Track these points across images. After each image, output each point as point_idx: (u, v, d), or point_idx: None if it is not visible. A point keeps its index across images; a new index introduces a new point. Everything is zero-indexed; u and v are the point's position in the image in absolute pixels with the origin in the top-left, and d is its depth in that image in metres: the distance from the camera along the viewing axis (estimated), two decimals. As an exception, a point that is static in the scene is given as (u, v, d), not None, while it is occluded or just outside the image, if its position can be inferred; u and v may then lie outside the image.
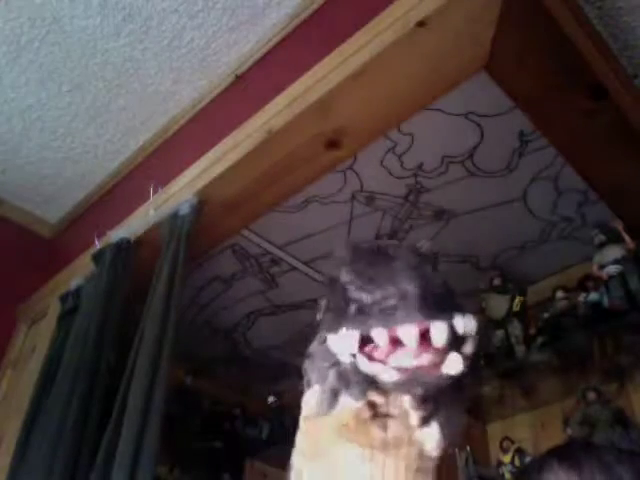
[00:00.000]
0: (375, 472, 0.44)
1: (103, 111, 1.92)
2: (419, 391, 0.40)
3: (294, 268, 1.90)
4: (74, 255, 1.97)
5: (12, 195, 2.21)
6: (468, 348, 0.41)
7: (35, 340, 1.90)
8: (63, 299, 1.81)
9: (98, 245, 1.78)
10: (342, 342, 0.41)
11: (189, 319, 2.10)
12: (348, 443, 0.44)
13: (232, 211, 1.61)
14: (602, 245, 1.62)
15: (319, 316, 0.48)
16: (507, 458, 1.64)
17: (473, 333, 0.42)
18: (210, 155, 1.58)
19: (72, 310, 1.71)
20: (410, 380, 0.39)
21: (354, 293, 0.42)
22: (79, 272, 1.83)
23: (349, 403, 0.42)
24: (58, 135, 1.99)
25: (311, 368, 0.45)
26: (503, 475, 1.63)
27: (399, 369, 0.39)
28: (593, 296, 1.60)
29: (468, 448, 1.70)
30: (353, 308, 0.41)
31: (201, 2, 1.62)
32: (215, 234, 1.68)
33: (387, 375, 0.39)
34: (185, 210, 1.53)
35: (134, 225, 1.72)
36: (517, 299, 1.75)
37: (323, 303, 0.49)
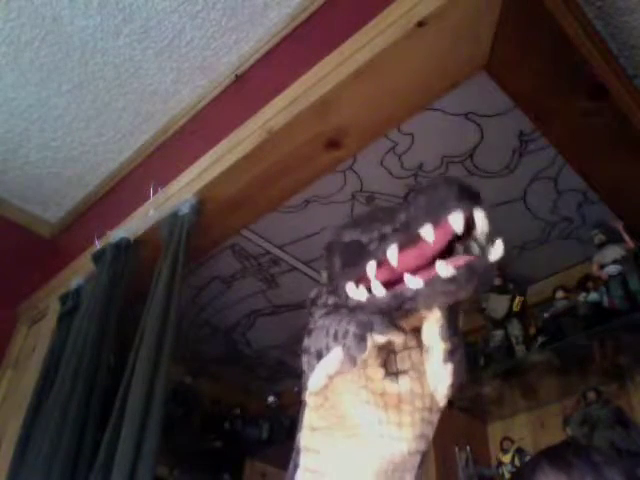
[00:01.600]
0: (392, 430, 0.47)
1: (103, 111, 1.92)
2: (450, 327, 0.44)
3: (294, 268, 1.90)
4: (74, 255, 1.97)
5: (12, 195, 2.21)
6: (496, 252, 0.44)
7: (35, 340, 1.90)
8: (63, 299, 1.81)
9: (98, 245, 1.78)
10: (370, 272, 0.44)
11: (189, 319, 2.10)
12: (366, 404, 0.47)
13: (232, 211, 1.61)
14: (602, 245, 1.62)
15: (321, 284, 0.51)
16: (507, 458, 1.64)
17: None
18: (210, 155, 1.58)
19: (72, 310, 1.71)
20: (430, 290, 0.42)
21: (365, 235, 0.46)
22: (79, 272, 1.83)
23: (376, 339, 0.44)
24: (58, 135, 1.99)
25: (320, 337, 0.47)
26: (503, 475, 1.63)
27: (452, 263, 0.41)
28: (593, 296, 1.60)
29: (468, 448, 1.70)
30: (373, 245, 0.45)
31: (201, 2, 1.62)
32: (215, 234, 1.68)
33: (448, 270, 0.41)
34: (185, 210, 1.53)
35: (134, 225, 1.72)
36: (517, 299, 1.75)
37: (324, 274, 0.53)
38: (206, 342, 2.23)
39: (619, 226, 1.60)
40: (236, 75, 1.75)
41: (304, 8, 1.58)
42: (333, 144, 1.40)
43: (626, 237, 1.58)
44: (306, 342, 0.52)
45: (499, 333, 1.73)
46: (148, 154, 2.00)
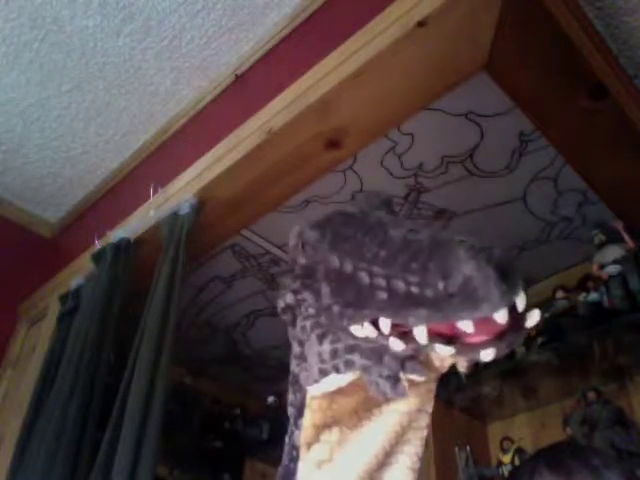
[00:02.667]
0: (402, 404, 0.48)
1: (103, 111, 1.92)
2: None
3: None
4: (74, 255, 1.97)
5: (12, 195, 2.21)
6: (532, 321, 0.41)
7: (35, 340, 1.90)
8: (63, 299, 1.81)
9: (98, 245, 1.78)
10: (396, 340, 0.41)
11: (189, 319, 2.10)
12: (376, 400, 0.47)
13: (232, 211, 1.61)
14: (602, 245, 1.62)
15: (329, 300, 0.47)
16: (507, 458, 1.64)
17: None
18: (210, 155, 1.58)
19: (72, 310, 1.71)
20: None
21: (378, 280, 0.41)
22: (79, 272, 1.83)
23: (415, 378, 0.44)
24: (58, 135, 1.99)
25: (322, 355, 0.47)
26: (503, 475, 1.63)
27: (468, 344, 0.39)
28: (593, 296, 1.60)
29: (468, 448, 1.70)
30: (382, 295, 0.41)
31: (201, 2, 1.62)
32: (215, 234, 1.68)
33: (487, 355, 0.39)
34: (185, 210, 1.53)
35: (134, 225, 1.72)
36: (517, 299, 1.75)
37: (308, 295, 0.49)
38: (206, 342, 2.23)
39: (619, 226, 1.60)
40: (236, 75, 1.75)
41: (304, 8, 1.58)
42: (333, 144, 1.40)
43: (626, 237, 1.58)
44: (297, 350, 0.52)
45: (499, 333, 1.73)
46: (148, 154, 2.00)
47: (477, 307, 0.37)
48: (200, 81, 1.82)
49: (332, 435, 0.49)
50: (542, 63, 1.22)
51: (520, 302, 0.38)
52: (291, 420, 0.53)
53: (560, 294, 1.68)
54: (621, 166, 1.46)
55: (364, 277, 0.42)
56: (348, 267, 0.44)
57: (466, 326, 0.38)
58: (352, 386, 0.47)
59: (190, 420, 2.16)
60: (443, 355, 0.41)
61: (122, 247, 1.66)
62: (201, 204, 1.55)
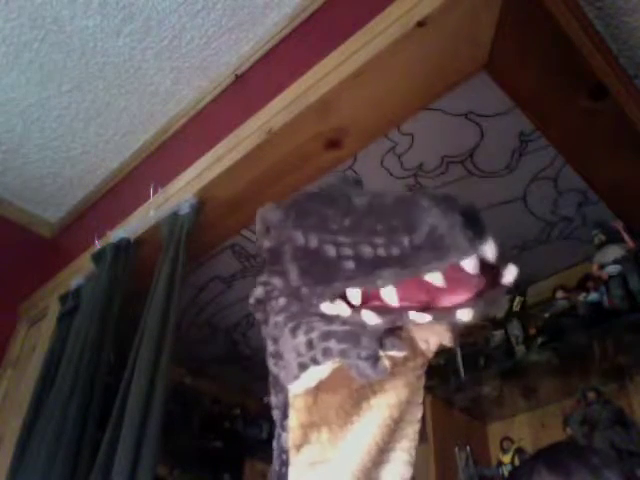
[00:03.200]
0: (390, 396, 0.46)
1: (103, 111, 1.92)
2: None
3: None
4: (74, 255, 1.96)
5: (12, 195, 2.21)
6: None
7: (35, 340, 1.90)
8: (63, 299, 1.81)
9: (98, 245, 1.78)
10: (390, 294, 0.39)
11: (189, 319, 2.10)
12: (362, 390, 0.46)
13: (232, 211, 1.61)
14: (602, 245, 1.62)
15: (278, 292, 0.46)
16: (507, 458, 1.64)
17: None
18: (210, 155, 1.58)
19: (72, 310, 1.71)
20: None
21: (346, 249, 0.39)
22: (79, 272, 1.83)
23: (393, 354, 0.42)
24: (58, 135, 1.99)
25: (297, 347, 0.44)
26: (503, 475, 1.63)
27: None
28: (593, 296, 1.60)
29: (468, 448, 1.70)
30: (350, 264, 0.39)
31: (201, 2, 1.62)
32: (215, 234, 1.68)
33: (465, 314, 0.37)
34: (185, 210, 1.53)
35: (134, 225, 1.72)
36: (517, 299, 1.75)
37: (277, 279, 0.47)
38: (206, 342, 2.23)
39: (619, 226, 1.60)
40: (236, 75, 1.75)
41: (304, 8, 1.57)
42: (333, 144, 1.40)
43: (626, 237, 1.58)
44: (272, 347, 0.50)
45: (499, 333, 1.73)
46: (148, 154, 2.00)
47: (445, 255, 0.35)
48: (200, 81, 1.82)
49: (321, 435, 0.47)
50: (542, 63, 1.22)
51: (490, 250, 0.36)
52: (277, 423, 0.51)
53: (560, 294, 1.68)
54: (621, 166, 1.46)
55: (330, 249, 0.40)
56: (313, 242, 0.42)
57: (436, 279, 0.36)
58: (335, 380, 0.45)
59: (190, 420, 2.16)
60: (423, 326, 0.40)
61: (122, 247, 1.66)
62: (201, 204, 1.55)
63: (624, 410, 1.52)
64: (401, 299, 0.39)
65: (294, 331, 0.45)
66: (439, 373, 1.77)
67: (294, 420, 0.48)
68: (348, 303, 0.41)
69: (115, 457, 1.18)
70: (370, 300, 0.40)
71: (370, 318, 0.40)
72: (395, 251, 0.37)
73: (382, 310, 0.40)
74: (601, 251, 1.62)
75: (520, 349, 1.67)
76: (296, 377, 0.46)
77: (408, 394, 0.49)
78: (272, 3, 1.62)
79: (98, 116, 1.93)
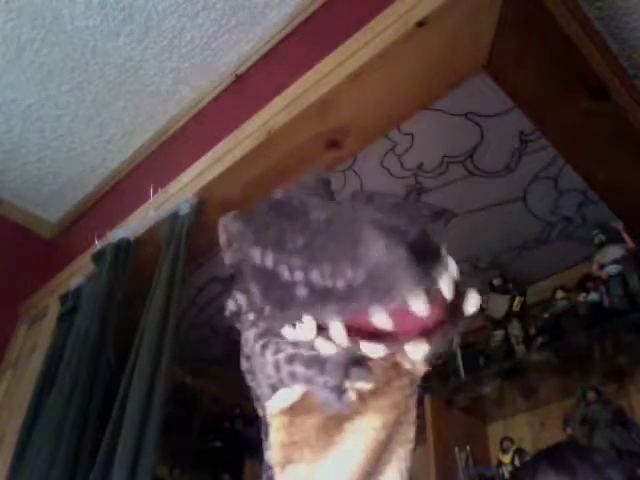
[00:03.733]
0: (374, 419, 0.42)
1: (103, 111, 1.92)
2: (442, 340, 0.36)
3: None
4: (74, 255, 1.96)
5: (12, 195, 2.21)
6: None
7: (35, 340, 1.90)
8: (63, 299, 1.81)
9: (98, 245, 1.78)
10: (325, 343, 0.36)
11: (189, 319, 2.10)
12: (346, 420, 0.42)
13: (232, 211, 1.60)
14: (602, 245, 1.62)
15: (244, 310, 0.43)
16: (507, 458, 1.64)
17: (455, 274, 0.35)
18: (210, 155, 1.58)
19: (72, 310, 1.71)
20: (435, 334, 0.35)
21: (294, 275, 0.35)
22: (79, 272, 1.83)
23: (359, 386, 0.38)
24: (58, 135, 1.99)
25: (267, 369, 0.42)
26: (503, 475, 1.63)
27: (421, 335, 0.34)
28: (593, 296, 1.60)
29: (468, 448, 1.70)
30: (303, 291, 0.35)
31: (201, 2, 1.62)
32: (215, 234, 1.68)
33: (420, 350, 0.34)
34: (185, 210, 1.53)
35: (134, 225, 1.72)
36: (517, 299, 1.75)
37: (241, 297, 0.44)
38: (206, 342, 2.23)
39: (619, 226, 1.60)
40: (236, 75, 1.75)
41: (304, 8, 1.58)
42: (333, 144, 1.40)
43: (626, 237, 1.58)
44: (245, 365, 0.48)
45: (499, 333, 1.73)
46: (148, 154, 2.00)
47: (387, 296, 0.31)
48: (200, 81, 1.82)
49: (304, 455, 0.44)
50: (542, 63, 1.22)
51: (445, 285, 0.33)
52: (263, 437, 0.48)
53: (560, 294, 1.68)
54: (621, 166, 1.46)
55: (284, 272, 0.37)
56: (269, 261, 0.38)
57: (381, 321, 0.32)
58: (310, 402, 0.41)
59: (190, 420, 2.16)
60: (411, 357, 0.35)
61: (122, 247, 1.66)
62: (201, 204, 1.55)
63: (624, 410, 1.51)
64: (352, 331, 0.35)
65: (263, 350, 0.42)
66: (439, 373, 1.77)
67: (274, 439, 0.45)
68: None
69: (115, 457, 1.18)
70: (325, 330, 0.36)
71: (324, 347, 0.36)
72: (339, 284, 0.33)
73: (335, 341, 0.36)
74: (601, 251, 1.62)
75: (520, 349, 1.67)
76: (268, 397, 0.43)
77: (396, 415, 0.45)
78: (272, 3, 1.62)
79: (98, 116, 1.93)
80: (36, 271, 2.12)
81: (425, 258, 0.32)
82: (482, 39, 1.15)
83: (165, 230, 1.55)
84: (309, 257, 0.35)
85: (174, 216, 1.55)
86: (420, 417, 1.70)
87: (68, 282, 1.84)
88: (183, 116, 1.90)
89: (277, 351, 0.41)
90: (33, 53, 1.75)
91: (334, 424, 0.44)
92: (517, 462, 1.61)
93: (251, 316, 0.45)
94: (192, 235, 1.50)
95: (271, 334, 0.42)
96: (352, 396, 0.37)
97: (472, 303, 0.35)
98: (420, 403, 1.72)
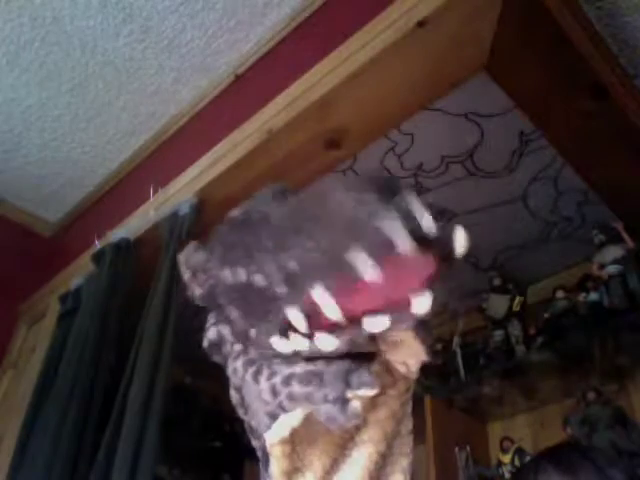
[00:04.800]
0: (374, 432, 0.41)
1: (103, 111, 1.92)
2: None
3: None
4: (74, 255, 1.96)
5: (12, 195, 2.21)
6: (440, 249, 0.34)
7: (35, 340, 1.90)
8: (63, 299, 1.81)
9: (98, 245, 1.78)
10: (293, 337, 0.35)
11: (189, 319, 2.10)
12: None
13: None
14: (602, 245, 1.62)
15: (227, 343, 0.42)
16: (507, 458, 1.64)
17: (432, 225, 0.34)
18: (210, 155, 1.58)
19: (72, 310, 1.71)
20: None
21: (274, 274, 0.35)
22: (79, 272, 1.83)
23: (363, 394, 0.37)
24: (58, 135, 1.99)
25: (263, 395, 0.40)
26: (503, 475, 1.63)
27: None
28: (593, 296, 1.60)
29: (468, 448, 1.70)
30: (284, 288, 0.35)
31: (201, 2, 1.62)
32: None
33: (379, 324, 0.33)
34: (185, 210, 1.53)
35: (134, 225, 1.72)
36: (517, 299, 1.75)
37: (223, 328, 0.43)
38: (206, 342, 2.23)
39: (619, 226, 1.60)
40: (236, 75, 1.75)
41: (304, 8, 1.57)
42: (333, 144, 1.40)
43: (626, 237, 1.58)
44: (235, 397, 0.45)
45: (499, 333, 1.73)
46: (148, 154, 2.00)
47: (373, 245, 0.31)
48: (200, 81, 1.82)
49: (306, 479, 0.43)
50: (542, 63, 1.22)
51: (426, 221, 0.32)
52: (261, 465, 0.46)
53: (560, 294, 1.68)
54: (621, 166, 1.46)
55: (259, 279, 0.36)
56: (242, 275, 0.37)
57: (373, 275, 0.31)
58: (312, 424, 0.40)
59: (190, 420, 2.16)
60: (395, 347, 0.35)
61: (122, 247, 1.66)
62: (201, 204, 1.55)
63: (624, 410, 1.51)
64: (345, 310, 0.34)
65: (256, 377, 0.41)
66: (439, 373, 1.77)
67: (275, 468, 0.43)
68: (301, 333, 0.36)
69: (115, 457, 1.18)
70: (319, 322, 0.35)
71: (327, 342, 0.34)
72: (318, 254, 0.32)
73: (335, 329, 0.35)
74: (601, 251, 1.62)
75: (520, 349, 1.67)
76: (268, 427, 0.41)
77: (394, 425, 0.43)
78: (272, 3, 1.62)
79: (98, 116, 1.93)
80: (36, 271, 2.12)
81: (394, 196, 0.32)
82: (482, 39, 1.15)
83: (165, 230, 1.55)
84: (281, 252, 0.35)
85: (174, 216, 1.55)
86: (420, 417, 1.70)
87: (68, 282, 1.83)
88: (183, 116, 1.90)
89: (271, 375, 0.40)
90: (33, 53, 1.75)
91: (336, 445, 0.43)
92: (517, 462, 1.61)
93: (237, 346, 0.43)
94: (192, 235, 1.50)
95: (263, 359, 0.40)
96: (356, 406, 0.36)
97: (460, 241, 0.34)
98: (420, 403, 1.72)
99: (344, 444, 0.43)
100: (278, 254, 0.35)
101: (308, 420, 0.40)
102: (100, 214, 2.10)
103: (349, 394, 0.36)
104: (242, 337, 0.41)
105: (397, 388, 0.43)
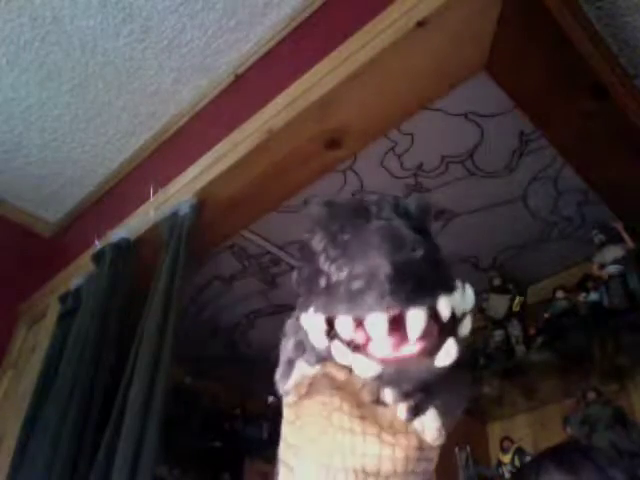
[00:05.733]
0: (369, 462, 0.38)
1: (103, 111, 1.92)
2: (404, 386, 0.35)
3: (294, 268, 1.90)
4: (74, 255, 1.96)
5: (12, 195, 2.21)
6: (464, 329, 0.35)
7: (35, 340, 1.90)
8: (63, 299, 1.81)
9: (98, 245, 1.78)
10: (311, 325, 0.36)
11: (189, 319, 2.10)
12: (340, 431, 0.39)
13: (232, 211, 1.61)
14: (602, 245, 1.62)
15: (295, 285, 0.43)
16: (507, 458, 1.64)
17: (468, 309, 0.35)
18: (210, 155, 1.58)
19: (72, 310, 1.71)
20: (395, 373, 0.34)
21: (324, 265, 0.36)
22: (79, 272, 1.83)
23: (302, 369, 0.38)
24: (58, 135, 1.99)
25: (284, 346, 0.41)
26: (503, 475, 1.63)
27: (383, 360, 0.33)
28: (593, 296, 1.60)
29: (468, 448, 1.70)
30: (323, 282, 0.36)
31: (201, 2, 1.62)
32: (215, 234, 1.68)
33: (367, 367, 0.33)
34: (185, 210, 1.53)
35: (134, 225, 1.72)
36: (517, 299, 1.75)
37: (295, 273, 0.43)
38: (206, 342, 2.23)
39: (619, 226, 1.60)
40: (236, 75, 1.75)
41: (304, 8, 1.57)
42: (333, 144, 1.40)
43: (626, 237, 1.58)
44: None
45: (499, 333, 1.73)
46: (148, 154, 2.00)
47: (355, 302, 0.32)
48: (200, 81, 1.82)
49: (296, 458, 0.41)
50: (542, 63, 1.22)
51: (444, 308, 0.32)
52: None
53: (560, 294, 1.68)
54: (621, 166, 1.46)
55: (320, 259, 0.37)
56: (318, 247, 0.38)
57: (344, 330, 0.32)
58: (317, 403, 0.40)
59: (190, 420, 2.16)
60: (362, 374, 0.34)
61: (122, 247, 1.66)
62: (201, 204, 1.55)
63: (624, 410, 1.52)
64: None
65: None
66: (439, 373, 1.76)
67: (283, 433, 0.43)
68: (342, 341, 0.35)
69: (115, 457, 1.18)
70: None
71: (366, 366, 0.34)
72: (348, 284, 0.33)
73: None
74: (601, 251, 1.62)
75: (520, 349, 1.67)
76: (284, 377, 0.42)
77: (398, 467, 0.39)
78: (272, 3, 1.62)
79: (98, 116, 1.93)
80: (36, 271, 2.12)
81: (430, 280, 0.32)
82: (482, 39, 1.15)
83: (165, 230, 1.55)
84: (341, 254, 0.35)
85: (174, 216, 1.55)
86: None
87: (68, 282, 1.83)
88: (183, 116, 1.90)
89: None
90: (33, 53, 1.75)
91: (322, 449, 0.40)
92: (517, 462, 1.61)
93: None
94: (192, 235, 1.50)
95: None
96: (294, 375, 0.37)
97: (450, 353, 0.33)
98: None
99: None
100: (339, 253, 0.35)
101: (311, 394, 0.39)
102: (100, 214, 2.10)
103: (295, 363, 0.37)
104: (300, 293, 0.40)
105: (407, 438, 0.39)
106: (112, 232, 1.77)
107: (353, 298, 0.32)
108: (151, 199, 1.72)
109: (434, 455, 0.40)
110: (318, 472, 0.40)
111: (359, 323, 0.33)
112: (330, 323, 0.35)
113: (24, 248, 2.23)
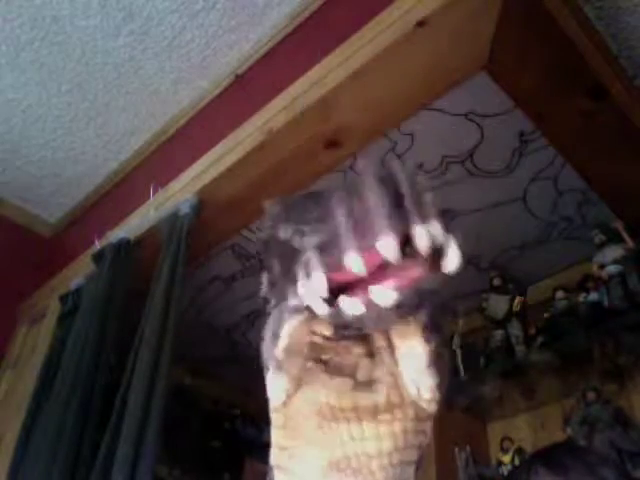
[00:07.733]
0: (369, 444, 0.39)
1: (103, 111, 1.92)
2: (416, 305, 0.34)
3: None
4: (74, 255, 1.96)
5: (12, 195, 2.21)
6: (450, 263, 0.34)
7: (35, 340, 1.90)
8: (63, 299, 1.81)
9: (98, 245, 1.78)
10: (313, 288, 0.34)
11: (189, 319, 2.10)
12: (334, 422, 0.39)
13: (232, 211, 1.61)
14: (602, 245, 1.62)
15: (264, 292, 0.42)
16: (507, 458, 1.64)
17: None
18: (210, 155, 1.58)
19: (72, 310, 1.71)
20: (410, 296, 0.33)
21: (300, 242, 0.36)
22: (79, 272, 1.83)
23: (288, 325, 0.37)
24: (58, 135, 1.99)
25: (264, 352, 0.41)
26: (503, 475, 1.63)
27: (397, 287, 0.32)
28: (593, 296, 1.60)
29: (468, 448, 1.70)
30: (305, 257, 0.35)
31: (201, 2, 1.62)
32: (215, 234, 1.68)
33: (385, 296, 0.32)
34: (185, 210, 1.53)
35: (134, 225, 1.72)
36: (517, 299, 1.75)
37: (264, 275, 0.43)
38: (206, 342, 2.23)
39: (619, 226, 1.59)
40: (236, 75, 1.75)
41: (304, 8, 1.58)
42: (333, 144, 1.40)
43: (626, 237, 1.58)
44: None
45: (499, 333, 1.73)
46: (148, 154, 2.00)
47: (362, 233, 0.32)
48: (200, 81, 1.82)
49: (294, 459, 0.42)
50: (542, 63, 1.22)
51: (422, 236, 0.32)
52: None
53: (560, 294, 1.68)
54: (621, 166, 1.46)
55: (297, 239, 0.36)
56: (288, 232, 0.38)
57: (354, 264, 0.32)
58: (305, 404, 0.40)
59: (190, 420, 2.16)
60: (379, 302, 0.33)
61: (122, 247, 1.66)
62: (201, 204, 1.55)
63: (624, 410, 1.51)
64: (336, 281, 0.34)
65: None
66: (439, 373, 1.76)
67: (274, 438, 0.44)
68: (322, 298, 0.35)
69: (115, 457, 1.18)
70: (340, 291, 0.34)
71: (352, 306, 0.33)
72: (325, 235, 0.34)
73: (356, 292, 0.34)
74: (601, 251, 1.62)
75: (520, 349, 1.67)
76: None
77: (399, 442, 0.40)
78: (272, 3, 1.62)
79: (98, 116, 1.93)
80: (36, 271, 2.12)
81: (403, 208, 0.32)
82: (482, 39, 1.15)
83: (165, 230, 1.55)
84: (319, 223, 0.36)
85: (174, 216, 1.55)
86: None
87: (68, 282, 1.84)
88: (183, 116, 1.90)
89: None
90: (33, 53, 1.75)
91: (319, 444, 0.41)
92: (517, 462, 1.61)
93: (272, 302, 0.43)
94: (192, 235, 1.50)
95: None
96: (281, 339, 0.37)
97: (452, 260, 0.33)
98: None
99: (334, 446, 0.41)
100: (317, 224, 0.36)
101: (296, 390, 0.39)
102: (100, 214, 2.10)
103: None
104: (277, 291, 0.40)
105: (403, 410, 0.40)
106: (112, 232, 1.77)
107: (357, 230, 0.32)
108: (151, 199, 1.72)
109: (429, 428, 0.42)
110: (320, 467, 0.40)
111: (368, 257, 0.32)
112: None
113: (24, 248, 2.23)
